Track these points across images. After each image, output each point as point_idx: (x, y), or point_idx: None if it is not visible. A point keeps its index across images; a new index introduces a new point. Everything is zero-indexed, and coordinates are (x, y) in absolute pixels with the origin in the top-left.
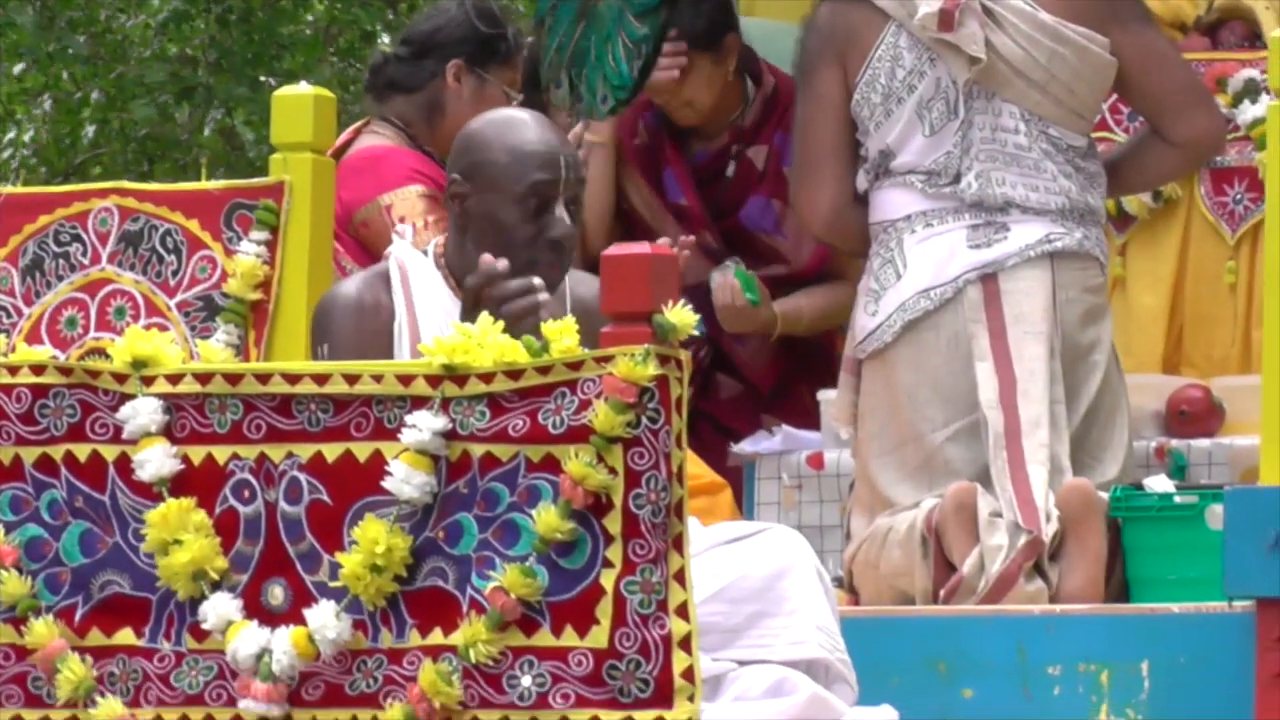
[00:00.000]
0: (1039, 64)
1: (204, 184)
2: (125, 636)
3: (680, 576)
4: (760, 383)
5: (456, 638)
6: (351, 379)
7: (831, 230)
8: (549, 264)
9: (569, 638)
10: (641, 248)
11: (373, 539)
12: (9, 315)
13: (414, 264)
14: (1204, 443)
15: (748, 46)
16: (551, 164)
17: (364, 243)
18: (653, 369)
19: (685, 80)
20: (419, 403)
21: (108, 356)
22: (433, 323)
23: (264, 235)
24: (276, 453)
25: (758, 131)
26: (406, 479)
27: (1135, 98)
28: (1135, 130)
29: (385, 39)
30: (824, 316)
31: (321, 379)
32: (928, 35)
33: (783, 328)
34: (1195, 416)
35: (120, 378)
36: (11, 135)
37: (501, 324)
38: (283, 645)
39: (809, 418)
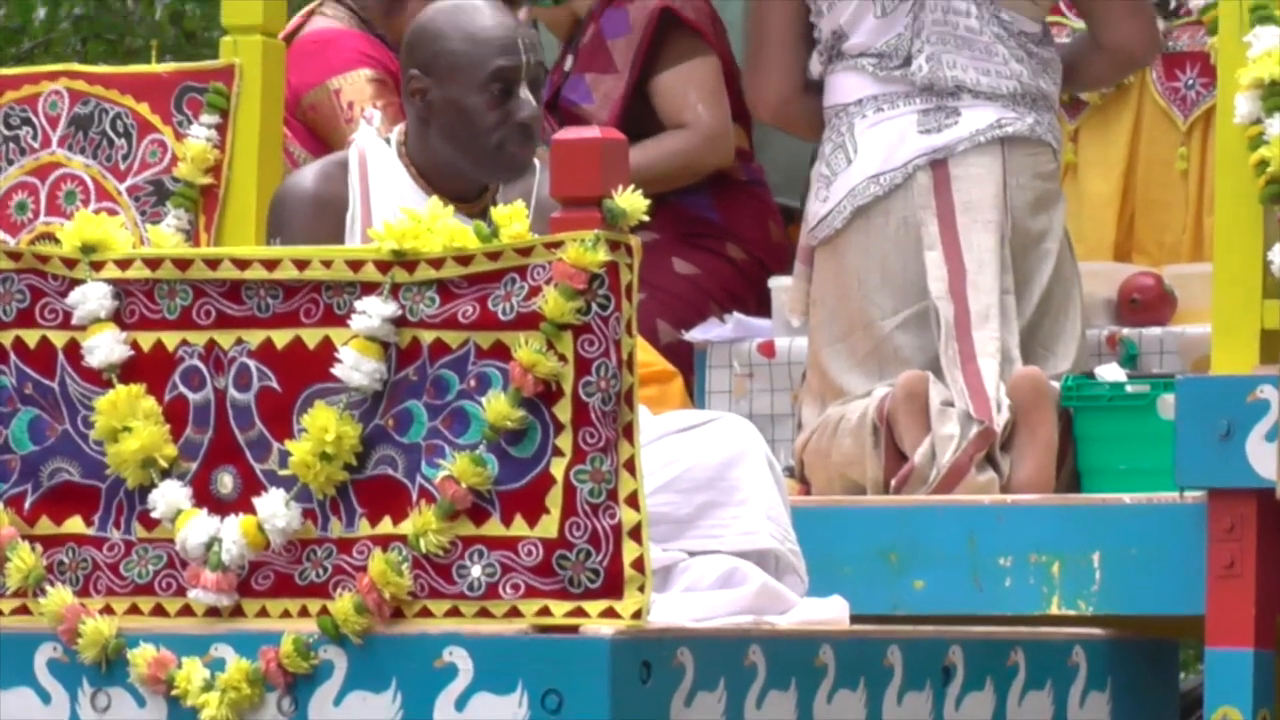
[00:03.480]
0: None
1: (154, 67)
2: (74, 525)
3: (630, 465)
4: None
5: (406, 527)
6: (301, 264)
7: (779, 118)
8: (518, 146)
9: (519, 527)
10: (591, 132)
11: (322, 426)
12: None
13: (376, 153)
14: (1155, 331)
15: None
16: (511, 48)
17: (312, 127)
18: (603, 254)
19: None
20: (368, 289)
21: (57, 241)
22: (387, 214)
23: (214, 119)
24: (226, 339)
25: (594, 14)
26: (356, 366)
27: None
28: None
29: None
30: (653, 167)
31: (271, 264)
32: None
33: None
34: (1147, 304)
35: (69, 263)
36: None
37: (451, 208)
38: (232, 534)
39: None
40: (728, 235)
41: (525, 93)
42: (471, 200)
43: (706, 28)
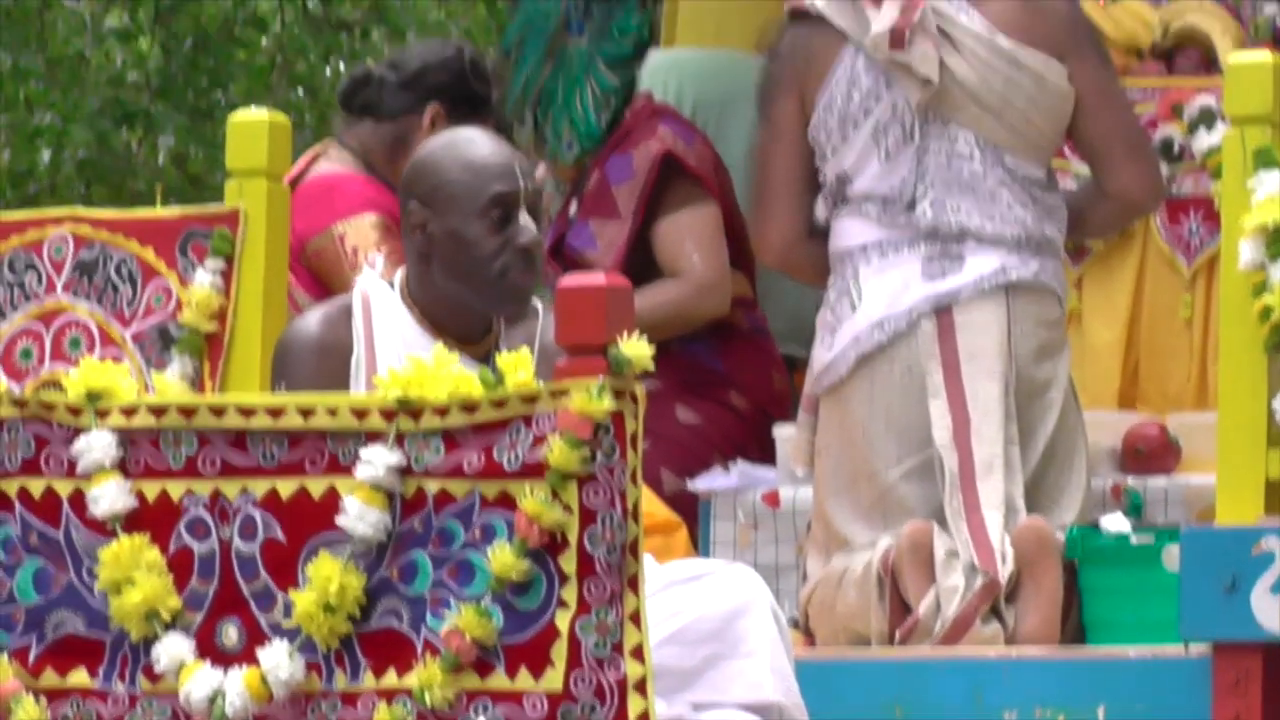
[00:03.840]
0: (994, 90)
1: (159, 211)
2: (79, 677)
3: (636, 618)
4: None
5: (411, 680)
6: (306, 412)
7: (785, 263)
8: (521, 273)
9: (524, 680)
10: (596, 278)
11: (326, 577)
12: None
13: (380, 297)
14: (1160, 481)
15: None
16: (508, 173)
17: (317, 272)
18: (608, 403)
19: None
20: (373, 437)
21: (62, 389)
22: (392, 359)
23: (219, 264)
24: (231, 488)
25: (598, 160)
26: (360, 516)
27: (1077, 138)
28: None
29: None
30: (647, 316)
31: (276, 412)
32: (880, 55)
33: None
34: (1151, 454)
35: (75, 411)
36: None
37: (456, 355)
38: (236, 687)
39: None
40: (731, 384)
41: (525, 218)
42: (476, 340)
43: (709, 175)
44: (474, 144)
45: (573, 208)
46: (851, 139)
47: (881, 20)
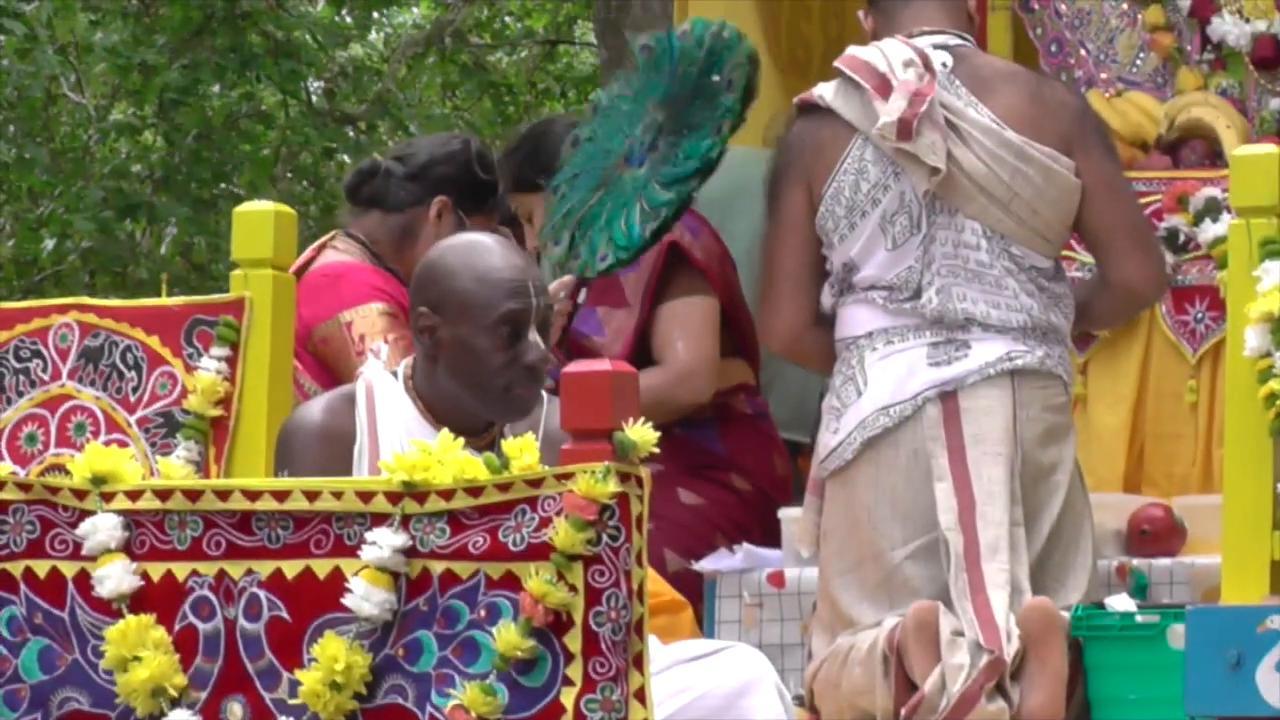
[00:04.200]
0: (1002, 181)
1: (164, 300)
2: None
3: (641, 695)
4: None
5: None
6: (311, 496)
7: (791, 351)
8: (524, 388)
9: None
10: (601, 365)
11: (332, 656)
12: None
13: (383, 386)
14: (1165, 562)
15: None
16: (521, 291)
17: (323, 360)
18: (613, 486)
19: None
20: (379, 520)
21: (67, 473)
22: (395, 448)
23: (224, 351)
24: (236, 569)
25: None
26: (366, 596)
27: (1083, 229)
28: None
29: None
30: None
31: (281, 496)
32: (888, 145)
33: None
34: (1157, 535)
35: (80, 494)
36: None
37: (461, 441)
38: None
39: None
40: (732, 467)
41: (534, 335)
42: (478, 435)
43: (713, 268)
44: (490, 254)
45: (580, 295)
46: (859, 227)
47: (889, 111)
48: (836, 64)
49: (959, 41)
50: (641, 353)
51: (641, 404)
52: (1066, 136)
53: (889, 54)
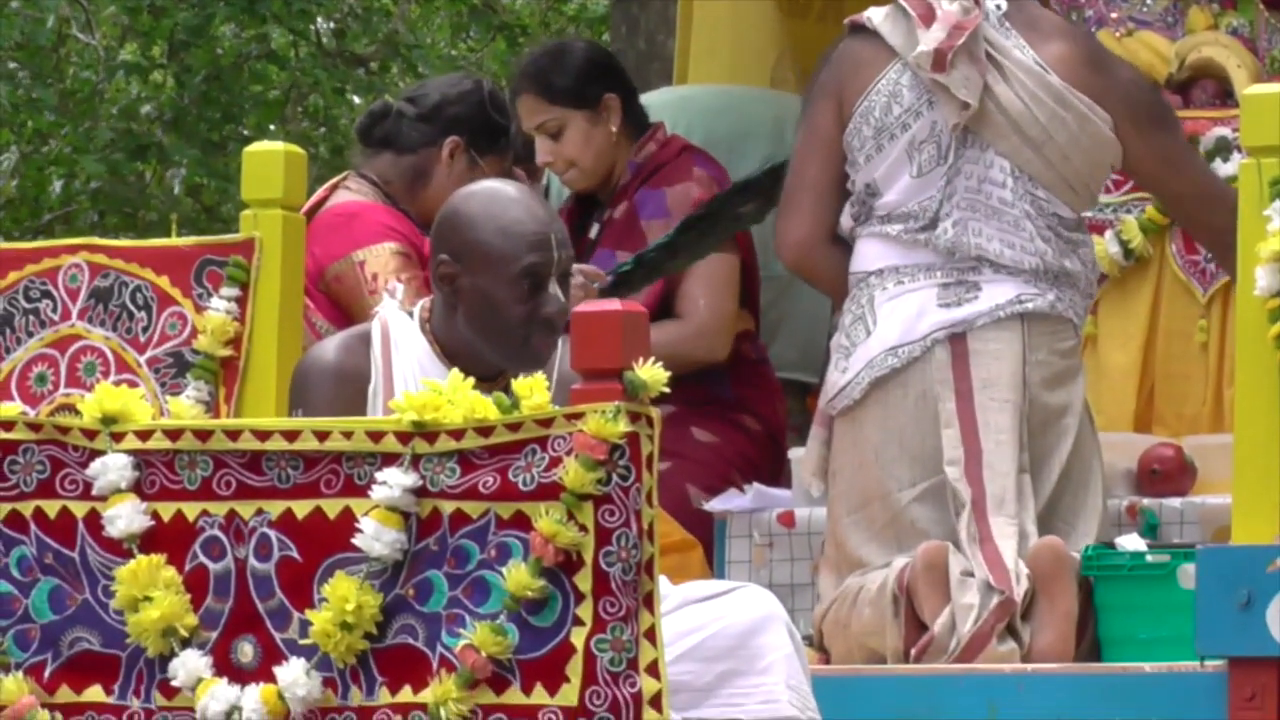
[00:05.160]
0: (1038, 121)
1: (174, 240)
2: (95, 694)
3: (651, 634)
4: None
5: (427, 695)
6: (321, 435)
7: (800, 263)
8: (542, 340)
9: (539, 695)
10: (612, 304)
11: (343, 596)
12: None
13: (399, 327)
14: (1175, 501)
15: (642, 112)
16: (543, 244)
17: (335, 299)
18: (623, 426)
19: (562, 139)
20: (389, 459)
21: (77, 412)
22: (409, 388)
23: (234, 292)
24: (246, 509)
25: (625, 190)
26: (377, 536)
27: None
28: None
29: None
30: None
31: (291, 435)
32: (922, 74)
33: None
34: (1167, 475)
35: (90, 434)
36: None
37: (472, 380)
38: (252, 703)
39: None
40: (743, 408)
41: (554, 287)
42: (491, 379)
43: None
44: (513, 205)
45: (593, 231)
46: (886, 150)
47: (928, 40)
48: None
49: None
50: (664, 302)
51: (658, 357)
52: (1116, 114)
53: None
